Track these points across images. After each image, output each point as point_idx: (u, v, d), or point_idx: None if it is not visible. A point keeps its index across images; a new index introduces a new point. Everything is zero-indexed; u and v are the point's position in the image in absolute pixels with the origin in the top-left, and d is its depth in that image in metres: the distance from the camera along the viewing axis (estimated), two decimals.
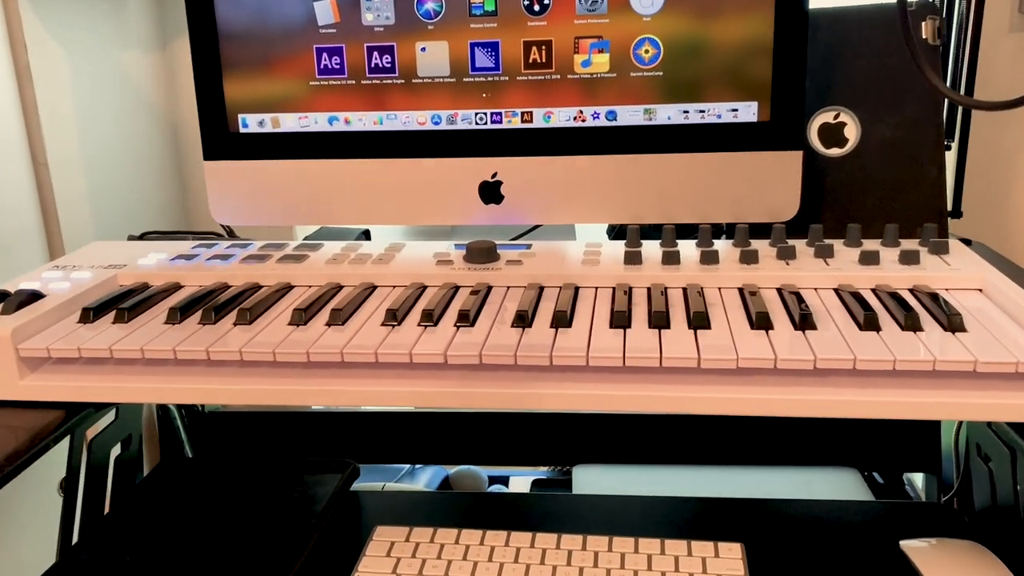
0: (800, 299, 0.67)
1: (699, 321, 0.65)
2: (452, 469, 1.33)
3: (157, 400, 0.73)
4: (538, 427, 1.07)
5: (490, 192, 0.84)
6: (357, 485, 0.83)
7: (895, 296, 0.67)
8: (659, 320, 0.65)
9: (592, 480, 1.01)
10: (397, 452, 1.09)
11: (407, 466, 1.28)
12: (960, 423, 0.96)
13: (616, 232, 1.00)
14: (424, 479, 1.28)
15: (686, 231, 0.83)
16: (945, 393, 0.58)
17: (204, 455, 1.05)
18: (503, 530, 0.72)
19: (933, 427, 1.01)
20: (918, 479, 1.11)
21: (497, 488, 1.26)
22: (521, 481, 1.27)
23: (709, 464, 1.04)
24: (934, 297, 0.67)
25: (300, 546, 0.71)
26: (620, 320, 0.66)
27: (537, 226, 0.93)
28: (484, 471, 1.32)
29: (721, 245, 0.80)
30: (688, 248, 0.79)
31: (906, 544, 0.68)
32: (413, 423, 1.08)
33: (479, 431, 1.08)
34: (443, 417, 1.09)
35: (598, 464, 1.05)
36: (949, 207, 0.90)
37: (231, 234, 1.02)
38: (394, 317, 0.68)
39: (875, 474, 1.11)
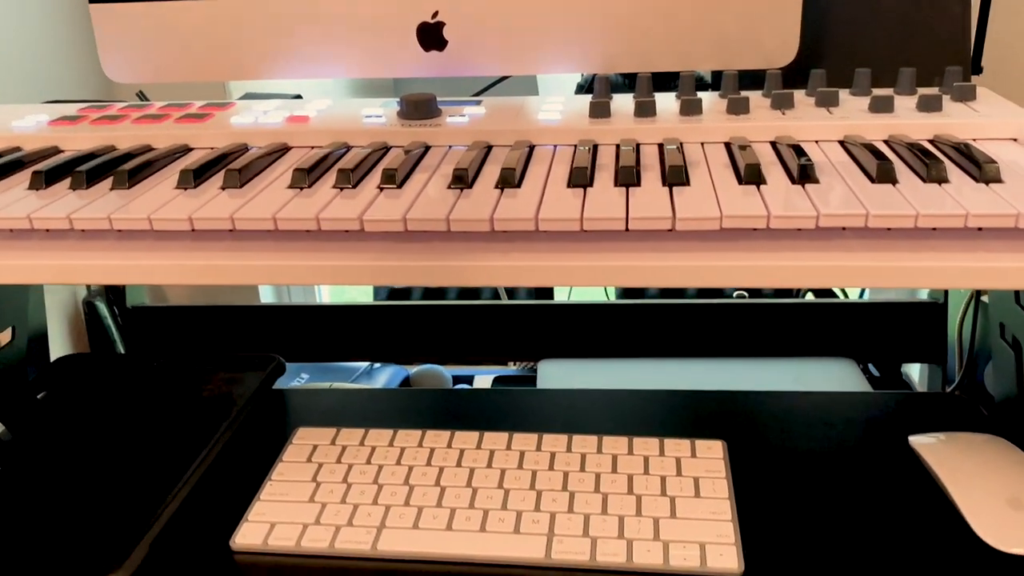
0: (800, 151, 0.55)
1: (675, 176, 0.53)
2: (413, 369, 1.23)
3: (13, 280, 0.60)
4: (502, 319, 0.96)
5: (431, 36, 0.70)
6: (298, 386, 0.72)
7: (914, 147, 0.55)
8: (626, 177, 0.53)
9: (558, 376, 0.91)
10: (351, 349, 0.99)
11: (363, 365, 1.17)
12: (970, 305, 0.86)
13: (585, 91, 0.87)
14: (382, 380, 1.17)
15: (664, 85, 0.70)
16: (978, 256, 0.47)
17: (108, 351, 0.94)
18: (445, 430, 0.62)
19: (937, 312, 0.91)
20: (915, 371, 1.01)
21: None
22: (486, 380, 1.17)
23: (688, 357, 0.94)
24: (961, 147, 0.55)
25: (207, 450, 0.60)
26: (579, 178, 0.54)
27: (497, 81, 0.79)
28: (447, 371, 1.22)
29: (705, 95, 0.67)
30: (666, 100, 0.67)
31: (916, 440, 0.58)
32: (368, 318, 0.97)
33: (439, 326, 0.97)
34: (401, 311, 0.98)
35: (566, 359, 0.94)
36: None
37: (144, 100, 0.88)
38: (304, 179, 0.55)
39: (870, 366, 1.02)
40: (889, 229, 0.49)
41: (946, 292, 0.90)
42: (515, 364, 1.21)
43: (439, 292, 1.21)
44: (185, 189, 0.56)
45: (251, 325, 0.95)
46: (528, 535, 0.52)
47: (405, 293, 1.23)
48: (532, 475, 0.57)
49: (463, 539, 0.52)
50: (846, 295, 1.06)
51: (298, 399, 0.69)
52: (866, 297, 1.08)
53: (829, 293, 1.07)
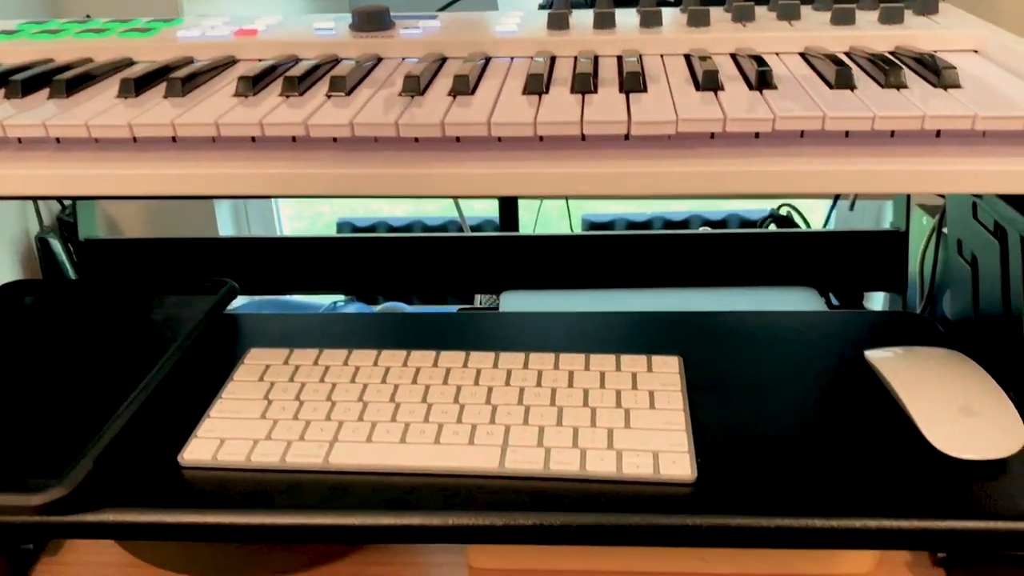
0: (759, 61, 0.54)
1: (632, 83, 0.52)
2: (377, 308, 1.22)
3: None
4: (465, 252, 0.95)
5: None
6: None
7: (874, 57, 0.54)
8: (583, 84, 0.52)
9: (520, 307, 0.90)
10: (309, 283, 0.97)
11: (326, 304, 1.16)
12: (932, 236, 0.86)
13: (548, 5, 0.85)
14: None
15: (627, 1, 0.68)
16: (936, 160, 0.46)
17: (54, 278, 0.91)
18: (401, 349, 0.61)
19: (898, 241, 0.91)
20: (877, 302, 1.02)
21: None
22: None
23: (651, 288, 0.94)
24: (921, 56, 0.54)
25: (155, 371, 0.59)
26: (535, 85, 0.52)
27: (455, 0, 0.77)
28: (412, 310, 1.21)
29: (666, 9, 0.65)
30: (626, 13, 0.65)
31: (871, 353, 0.58)
32: (327, 250, 0.96)
33: (400, 259, 0.96)
34: (362, 243, 0.96)
35: (528, 290, 0.94)
36: None
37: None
38: (249, 87, 0.53)
39: (831, 296, 1.02)
40: (847, 135, 0.49)
41: (907, 221, 0.90)
42: (480, 302, 1.20)
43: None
44: (126, 98, 0.54)
45: (208, 257, 0.93)
46: (482, 446, 0.51)
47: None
48: (488, 391, 0.56)
49: (417, 451, 0.51)
50: (808, 224, 1.06)
51: (252, 323, 0.68)
52: (829, 227, 1.08)
53: (791, 224, 1.07)
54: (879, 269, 0.92)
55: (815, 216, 1.10)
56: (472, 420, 0.53)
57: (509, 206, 1.19)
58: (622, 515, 0.47)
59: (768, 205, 1.10)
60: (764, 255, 0.93)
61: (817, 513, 0.47)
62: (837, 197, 1.03)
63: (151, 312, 0.67)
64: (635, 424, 0.53)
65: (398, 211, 1.55)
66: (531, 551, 0.64)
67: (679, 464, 0.49)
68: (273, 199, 1.33)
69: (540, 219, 1.23)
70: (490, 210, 1.20)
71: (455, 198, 0.82)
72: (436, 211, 1.49)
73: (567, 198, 1.06)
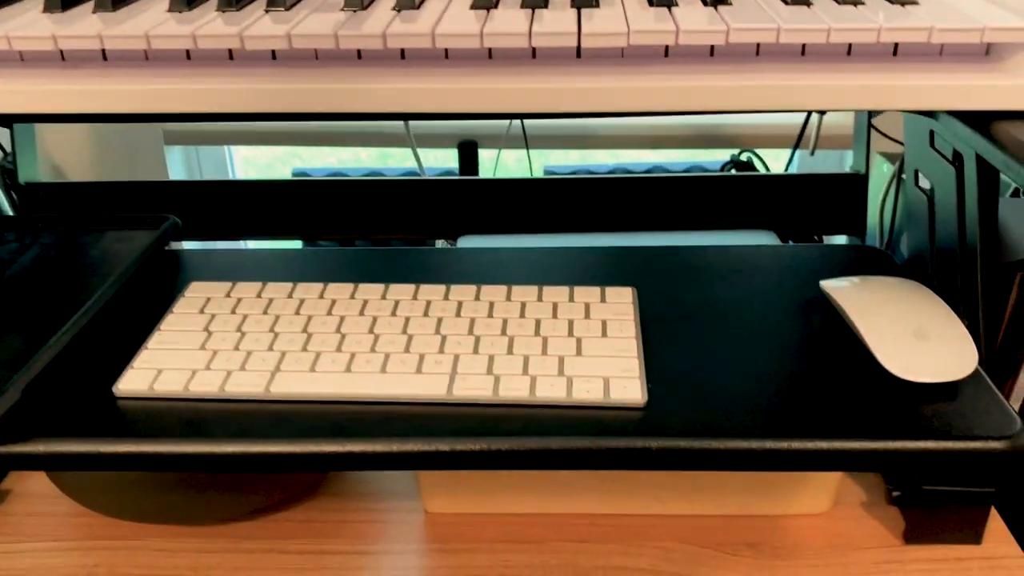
0: None
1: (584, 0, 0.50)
2: None
3: None
4: (421, 195, 0.93)
5: None
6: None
7: None
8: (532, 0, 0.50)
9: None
10: (260, 227, 0.94)
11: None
12: (892, 181, 0.85)
13: None
14: None
15: None
16: (894, 76, 0.45)
17: None
18: (349, 283, 0.59)
19: (858, 184, 0.90)
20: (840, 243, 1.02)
21: None
22: None
23: (609, 231, 0.93)
24: None
25: (90, 303, 0.57)
26: (483, 0, 0.50)
27: None
28: None
29: None
30: None
31: (826, 283, 0.58)
32: (279, 194, 0.93)
33: (355, 202, 0.93)
34: (315, 187, 0.93)
35: (487, 234, 0.92)
36: None
37: None
38: (184, 2, 0.51)
39: (790, 241, 1.02)
40: (804, 53, 0.47)
41: (867, 165, 0.89)
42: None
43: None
44: (52, 13, 0.51)
45: (156, 201, 0.90)
46: (430, 375, 0.50)
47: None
48: (438, 321, 0.55)
49: (362, 380, 0.50)
50: (767, 168, 1.05)
51: (195, 259, 0.65)
52: (792, 170, 1.08)
53: (751, 170, 1.06)
54: (838, 212, 0.92)
55: (777, 165, 1.09)
56: (420, 350, 0.52)
57: (469, 154, 1.17)
58: (572, 439, 0.46)
59: (729, 152, 1.09)
60: (723, 199, 0.93)
61: (768, 435, 0.46)
62: (798, 143, 1.02)
63: (89, 247, 0.64)
64: (587, 352, 0.52)
65: (356, 163, 1.52)
66: (487, 495, 0.63)
67: (630, 389, 0.48)
68: (226, 147, 1.29)
69: (500, 170, 1.21)
70: (450, 160, 1.17)
71: (403, 119, 0.80)
72: (395, 164, 1.47)
73: (520, 118, 1.03)
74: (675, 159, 1.36)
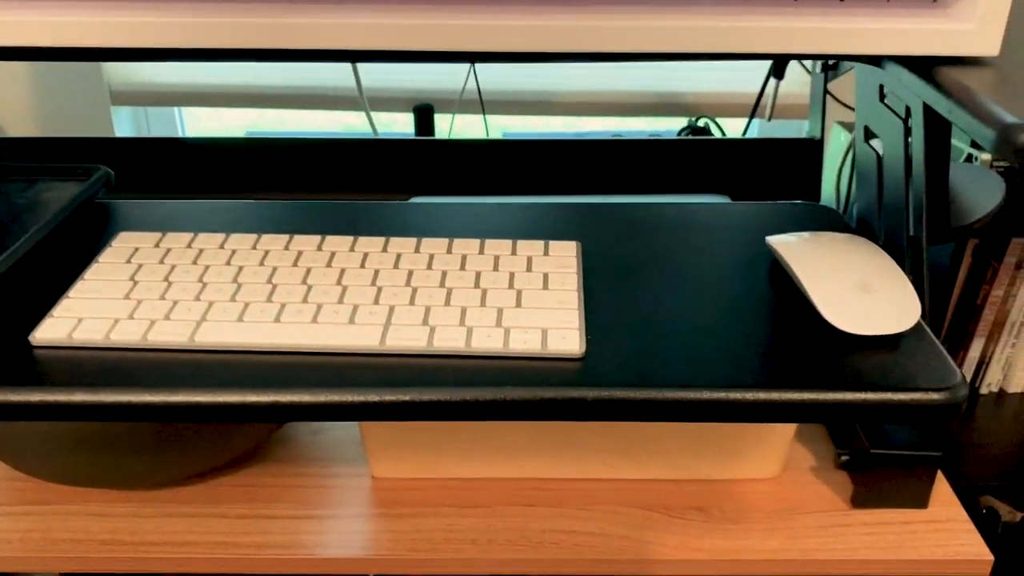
0: None
1: None
2: None
3: None
4: (372, 155, 0.91)
5: None
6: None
7: None
8: None
9: None
10: (208, 186, 0.92)
11: None
12: (851, 150, 0.85)
13: None
14: None
15: None
16: (841, 20, 0.44)
17: None
18: (283, 234, 0.57)
19: (813, 149, 0.90)
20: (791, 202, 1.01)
21: None
22: None
23: (563, 194, 0.91)
24: None
25: (8, 252, 0.54)
26: None
27: None
28: None
29: None
30: None
31: (773, 239, 0.57)
32: (229, 153, 0.90)
33: (304, 161, 0.91)
34: (264, 145, 0.91)
35: (437, 196, 0.90)
36: None
37: None
38: None
39: None
40: None
41: (822, 130, 0.89)
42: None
43: None
44: None
45: (99, 158, 0.87)
46: (364, 325, 0.48)
47: None
48: (374, 273, 0.53)
49: (292, 330, 0.48)
50: (723, 133, 1.04)
51: (126, 211, 0.63)
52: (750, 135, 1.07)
53: (707, 134, 1.05)
54: (793, 178, 0.92)
55: (735, 134, 1.08)
56: (354, 301, 0.50)
57: (424, 119, 1.15)
58: (507, 389, 0.45)
59: (686, 119, 1.08)
60: (678, 164, 0.92)
61: (705, 386, 0.45)
62: (755, 111, 1.02)
63: (15, 196, 0.61)
64: (526, 304, 0.50)
65: (309, 126, 1.49)
66: (434, 460, 0.62)
67: (568, 340, 0.47)
68: (176, 109, 1.26)
69: (456, 135, 1.19)
70: (405, 124, 1.15)
71: (351, 59, 0.78)
72: (349, 127, 1.44)
73: (472, 60, 1.01)
74: (634, 128, 1.34)
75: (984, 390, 0.91)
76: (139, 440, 0.59)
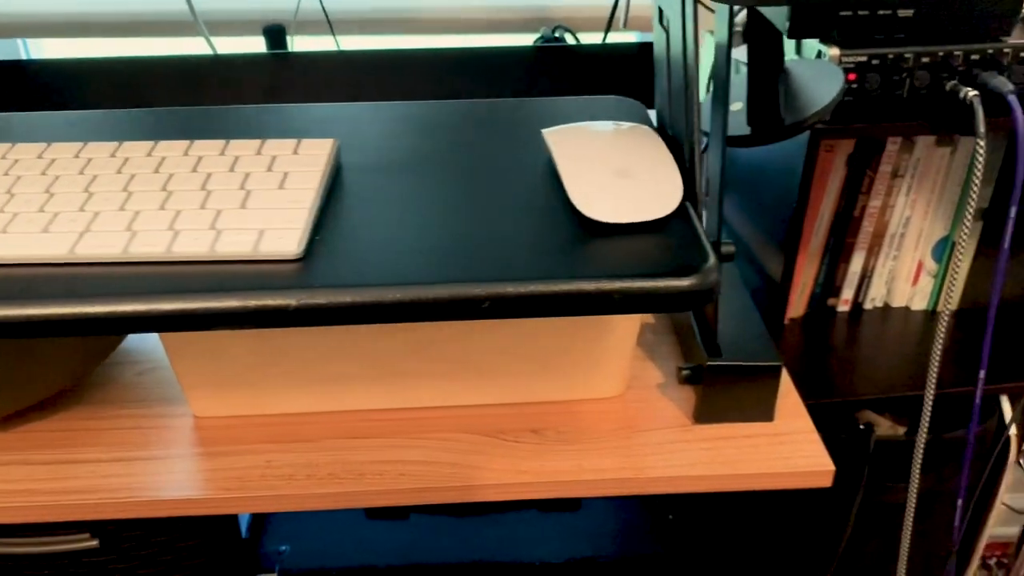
0: None
1: None
2: None
3: None
4: (213, 72, 0.84)
5: None
6: None
7: None
8: None
9: None
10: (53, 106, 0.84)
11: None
12: None
13: None
14: None
15: None
16: None
17: None
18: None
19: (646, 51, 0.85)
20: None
21: None
22: None
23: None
24: None
25: None
26: None
27: None
28: None
29: None
30: None
31: (547, 131, 0.52)
32: (74, 72, 0.83)
33: (141, 79, 0.84)
34: (104, 65, 0.83)
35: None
36: None
37: None
38: None
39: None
40: None
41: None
42: None
43: None
44: None
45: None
46: (56, 234, 0.43)
47: None
48: (92, 179, 0.47)
49: None
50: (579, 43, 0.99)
51: None
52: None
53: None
54: (631, 82, 0.87)
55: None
56: (56, 208, 0.45)
57: (276, 40, 1.08)
58: (211, 296, 0.40)
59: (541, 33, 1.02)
60: (522, 72, 0.87)
61: (439, 282, 0.41)
62: (610, 23, 0.97)
63: None
64: (252, 205, 0.45)
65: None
66: (255, 397, 0.56)
67: (285, 240, 0.42)
68: (21, 40, 1.17)
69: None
70: (257, 47, 1.08)
71: None
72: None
73: None
74: (487, 42, 1.29)
75: (868, 305, 0.89)
76: None
